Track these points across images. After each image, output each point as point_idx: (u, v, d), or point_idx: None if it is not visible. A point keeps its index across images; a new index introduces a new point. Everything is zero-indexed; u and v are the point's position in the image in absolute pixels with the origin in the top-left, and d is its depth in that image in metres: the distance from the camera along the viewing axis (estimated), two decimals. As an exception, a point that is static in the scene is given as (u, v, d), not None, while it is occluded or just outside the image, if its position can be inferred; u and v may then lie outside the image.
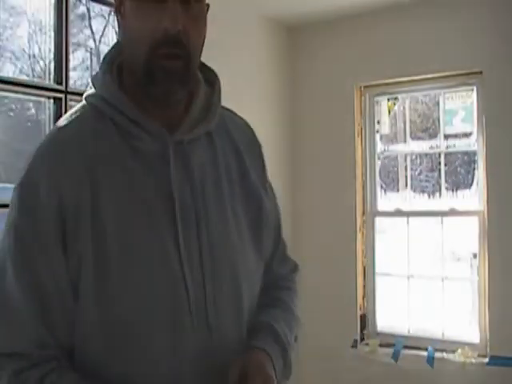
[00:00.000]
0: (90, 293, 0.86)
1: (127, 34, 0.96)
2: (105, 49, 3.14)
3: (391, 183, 4.52)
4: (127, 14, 0.94)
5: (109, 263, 0.86)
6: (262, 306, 1.03)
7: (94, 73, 1.07)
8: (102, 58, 1.02)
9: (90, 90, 0.98)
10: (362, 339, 3.77)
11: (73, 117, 0.96)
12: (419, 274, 3.91)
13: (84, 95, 1.00)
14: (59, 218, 0.87)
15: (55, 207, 0.87)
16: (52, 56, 2.53)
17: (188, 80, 0.96)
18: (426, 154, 4.34)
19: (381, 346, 3.67)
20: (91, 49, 3.17)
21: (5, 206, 2.36)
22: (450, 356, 3.41)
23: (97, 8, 2.99)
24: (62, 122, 0.97)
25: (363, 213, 3.84)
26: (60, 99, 2.46)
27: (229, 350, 0.91)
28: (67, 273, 0.87)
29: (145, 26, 0.91)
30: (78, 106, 1.00)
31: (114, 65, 0.99)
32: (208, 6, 1.06)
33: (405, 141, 3.86)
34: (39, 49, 2.74)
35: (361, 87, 3.86)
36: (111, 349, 0.86)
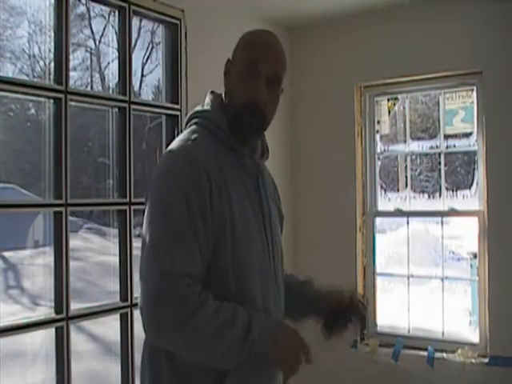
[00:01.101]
0: (228, 253, 1.32)
1: (230, 92, 1.45)
2: (105, 49, 3.14)
3: (391, 183, 4.52)
4: (233, 76, 1.44)
5: (236, 237, 1.34)
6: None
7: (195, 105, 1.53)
8: (210, 94, 1.51)
9: (201, 116, 1.45)
10: (362, 339, 3.77)
11: (195, 134, 1.40)
12: (419, 274, 3.91)
13: (197, 121, 1.45)
14: (208, 181, 1.30)
15: (206, 175, 1.30)
16: (52, 56, 2.53)
17: (260, 133, 1.50)
18: (426, 154, 4.34)
19: (381, 345, 3.67)
20: (91, 49, 3.17)
21: (5, 205, 2.37)
22: (450, 356, 3.41)
23: (97, 8, 2.99)
24: (188, 137, 1.40)
25: (363, 213, 3.84)
26: (60, 99, 2.46)
27: (282, 290, 1.51)
28: (213, 227, 1.30)
29: (241, 92, 1.41)
30: (193, 127, 1.44)
31: (217, 101, 1.47)
32: (282, 90, 1.50)
33: (405, 141, 3.86)
34: (39, 49, 2.74)
35: (361, 87, 3.86)
36: (236, 286, 1.33)
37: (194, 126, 1.44)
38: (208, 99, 1.49)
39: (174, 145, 1.40)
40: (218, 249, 1.31)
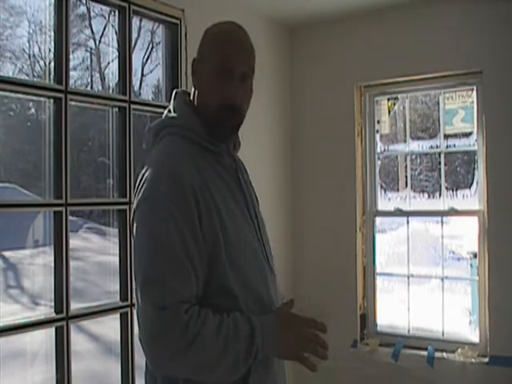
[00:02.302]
0: (225, 259, 1.28)
1: (201, 92, 1.39)
2: (105, 48, 3.14)
3: (391, 183, 4.52)
4: (203, 77, 1.38)
5: (230, 243, 1.30)
6: None
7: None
8: (175, 95, 1.44)
9: (174, 122, 1.38)
10: (362, 339, 3.77)
11: (172, 148, 1.34)
12: (419, 274, 3.91)
13: (170, 130, 1.38)
14: (195, 199, 1.25)
15: (192, 193, 1.24)
16: (52, 56, 2.53)
17: (238, 130, 1.45)
18: (426, 154, 4.34)
19: (381, 345, 3.67)
20: (91, 49, 3.17)
21: (5, 205, 2.37)
22: (450, 356, 3.41)
23: (97, 8, 2.99)
24: (166, 153, 1.33)
25: (363, 212, 3.84)
26: (60, 99, 2.46)
27: (275, 279, 1.48)
28: (205, 246, 1.26)
29: (216, 93, 1.35)
30: (167, 139, 1.36)
31: (190, 105, 1.41)
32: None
33: (405, 141, 3.86)
34: (39, 49, 2.74)
35: (361, 87, 3.86)
36: (239, 286, 1.31)
37: (167, 138, 1.37)
38: (175, 103, 1.42)
39: (153, 163, 1.32)
40: (215, 262, 1.28)
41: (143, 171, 1.33)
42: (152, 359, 1.21)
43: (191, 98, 1.44)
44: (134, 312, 2.72)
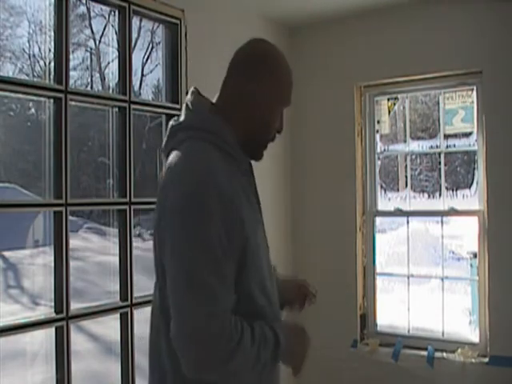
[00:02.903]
0: (249, 265, 1.30)
1: (253, 113, 1.39)
2: (105, 48, 3.15)
3: (391, 183, 4.52)
4: (261, 103, 1.39)
5: (252, 249, 1.31)
6: None
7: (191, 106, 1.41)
8: (192, 94, 1.42)
9: (204, 130, 1.35)
10: (362, 339, 3.77)
11: (205, 151, 1.31)
12: (419, 274, 3.91)
13: (201, 135, 1.34)
14: (231, 208, 1.26)
15: (229, 202, 1.25)
16: (52, 56, 2.53)
17: None
18: (426, 154, 4.34)
19: (381, 345, 3.67)
20: (91, 49, 3.17)
21: (5, 205, 2.37)
22: (450, 356, 3.41)
23: (97, 8, 2.99)
24: (198, 151, 1.31)
25: (363, 212, 3.84)
26: (60, 99, 2.46)
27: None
28: (235, 254, 1.27)
29: (274, 124, 1.43)
30: (200, 143, 1.33)
31: (217, 112, 1.38)
32: None
33: (405, 141, 3.86)
34: (39, 49, 2.74)
35: (361, 87, 3.86)
36: (258, 290, 1.34)
37: (201, 143, 1.33)
38: (198, 106, 1.39)
39: (191, 164, 1.28)
40: (242, 268, 1.29)
41: (172, 175, 1.30)
42: (193, 364, 1.21)
43: (215, 103, 1.43)
44: (134, 312, 2.72)
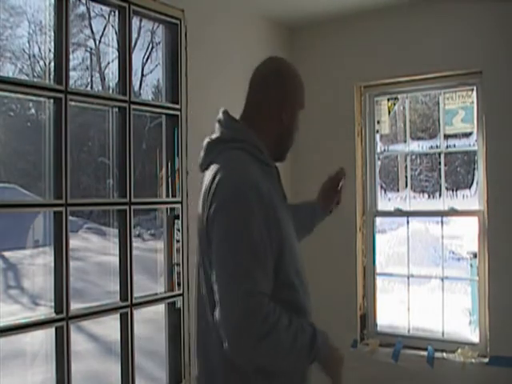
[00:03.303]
0: (287, 255, 1.47)
1: (281, 123, 1.64)
2: (105, 49, 3.15)
3: (391, 183, 4.52)
4: (288, 113, 1.64)
5: (289, 241, 1.50)
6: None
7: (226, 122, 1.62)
8: (223, 113, 1.63)
9: (241, 140, 1.56)
10: (362, 339, 3.77)
11: (244, 159, 1.52)
12: (419, 274, 3.91)
13: (239, 145, 1.54)
14: (268, 205, 1.44)
15: (267, 199, 1.44)
16: (52, 56, 2.53)
17: None
18: (426, 154, 4.34)
19: (381, 345, 3.67)
20: (91, 49, 3.17)
21: (5, 205, 2.37)
22: (450, 356, 3.41)
23: (97, 8, 2.99)
24: (235, 159, 1.52)
25: (363, 213, 3.84)
26: (60, 99, 2.46)
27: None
28: (274, 246, 1.43)
29: (297, 128, 1.71)
30: (238, 152, 1.54)
31: (248, 128, 1.60)
32: None
33: (405, 141, 3.86)
34: (39, 49, 2.74)
35: (361, 87, 3.86)
36: (296, 279, 1.51)
37: (239, 152, 1.54)
38: (230, 122, 1.61)
39: (233, 170, 1.49)
40: (281, 258, 1.45)
41: (217, 179, 1.47)
42: (234, 342, 1.33)
43: (243, 116, 1.65)
44: (134, 312, 2.71)
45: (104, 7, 2.92)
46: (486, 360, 3.29)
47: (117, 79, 2.87)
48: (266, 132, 1.61)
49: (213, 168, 1.52)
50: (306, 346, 1.41)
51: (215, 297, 1.38)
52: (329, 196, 2.12)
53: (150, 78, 3.45)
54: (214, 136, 1.61)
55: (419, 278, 3.95)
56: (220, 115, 1.63)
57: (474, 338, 3.46)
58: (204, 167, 1.61)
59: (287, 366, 1.46)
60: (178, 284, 3.06)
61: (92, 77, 3.26)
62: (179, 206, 3.06)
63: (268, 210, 1.43)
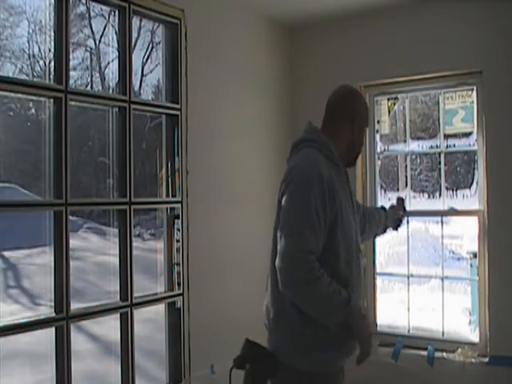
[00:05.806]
0: (340, 228, 1.85)
1: (352, 134, 2.04)
2: (105, 48, 3.15)
3: (391, 183, 4.52)
4: (355, 129, 2.04)
5: (342, 218, 1.86)
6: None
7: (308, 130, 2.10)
8: (309, 123, 2.13)
9: (315, 141, 1.99)
10: (362, 339, 3.76)
11: (315, 154, 1.94)
12: (419, 274, 3.91)
13: (314, 145, 1.98)
14: (327, 185, 1.83)
15: (326, 181, 1.83)
16: (52, 56, 2.53)
17: None
18: (426, 154, 4.34)
19: (381, 345, 3.67)
20: (91, 48, 3.17)
21: (5, 205, 2.37)
22: (450, 356, 3.41)
23: (97, 8, 2.99)
24: (312, 156, 1.93)
25: (363, 213, 3.84)
26: (60, 99, 2.45)
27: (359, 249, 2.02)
28: (328, 218, 1.82)
29: (361, 143, 2.10)
30: (311, 150, 1.96)
31: (323, 133, 2.04)
32: None
33: (405, 141, 3.86)
34: (39, 49, 2.74)
35: (361, 87, 3.86)
36: (344, 249, 1.86)
37: (307, 149, 1.97)
38: (313, 128, 2.07)
39: (304, 159, 1.92)
40: (333, 231, 1.82)
41: (292, 165, 1.93)
42: (285, 282, 1.74)
43: (322, 126, 2.09)
44: (134, 312, 2.71)
45: (104, 7, 2.92)
46: (486, 360, 3.29)
47: (117, 79, 2.87)
48: (339, 140, 2.01)
49: (293, 158, 1.98)
50: (342, 303, 1.73)
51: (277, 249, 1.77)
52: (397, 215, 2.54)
53: (150, 78, 3.45)
54: (298, 138, 2.07)
55: (419, 278, 3.95)
56: (306, 125, 2.10)
57: (474, 337, 3.47)
58: (289, 161, 2.04)
59: (323, 317, 1.76)
60: (178, 284, 3.05)
61: (92, 76, 3.26)
62: (179, 205, 3.06)
63: (326, 189, 1.80)
